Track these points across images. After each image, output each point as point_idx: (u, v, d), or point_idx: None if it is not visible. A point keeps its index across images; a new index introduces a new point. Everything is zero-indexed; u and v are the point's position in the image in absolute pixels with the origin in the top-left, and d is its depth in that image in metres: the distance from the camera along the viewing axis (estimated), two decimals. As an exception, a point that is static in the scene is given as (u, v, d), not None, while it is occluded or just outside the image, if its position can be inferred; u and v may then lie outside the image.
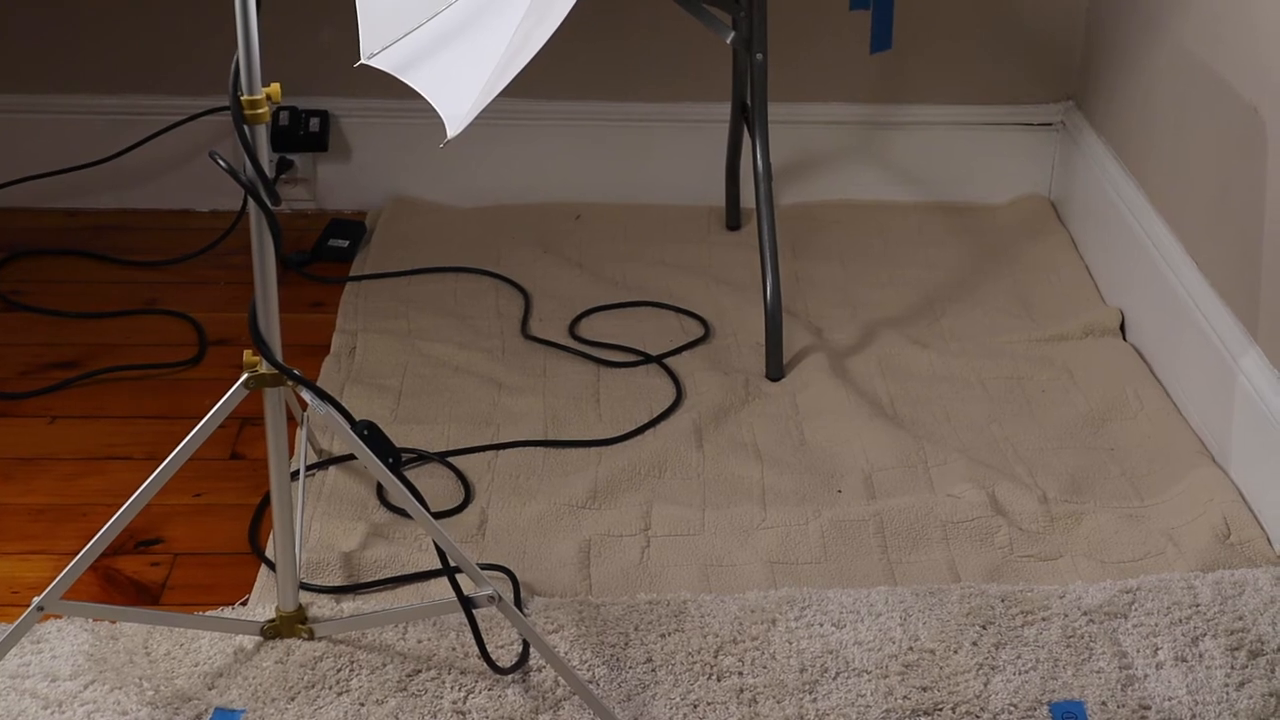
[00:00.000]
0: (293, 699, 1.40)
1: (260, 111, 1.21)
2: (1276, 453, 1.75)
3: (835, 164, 2.50)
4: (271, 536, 1.55)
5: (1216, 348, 1.89)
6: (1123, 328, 2.16)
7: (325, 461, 1.77)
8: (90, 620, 1.49)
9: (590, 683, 1.45)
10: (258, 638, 1.47)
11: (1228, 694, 1.48)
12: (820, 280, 2.26)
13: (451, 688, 1.43)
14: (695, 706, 1.43)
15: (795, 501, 1.76)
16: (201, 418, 1.31)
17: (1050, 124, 2.50)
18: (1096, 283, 2.29)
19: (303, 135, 2.34)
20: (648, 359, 2.03)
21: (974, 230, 2.44)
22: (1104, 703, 1.46)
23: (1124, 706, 1.46)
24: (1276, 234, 1.78)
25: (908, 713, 1.44)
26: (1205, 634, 1.55)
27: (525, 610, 1.55)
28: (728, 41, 2.12)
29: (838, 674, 1.48)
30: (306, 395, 1.34)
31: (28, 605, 1.30)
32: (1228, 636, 1.55)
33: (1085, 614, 1.58)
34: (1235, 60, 1.89)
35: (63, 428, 1.83)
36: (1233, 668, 1.51)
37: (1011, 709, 1.45)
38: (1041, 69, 2.48)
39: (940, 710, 1.45)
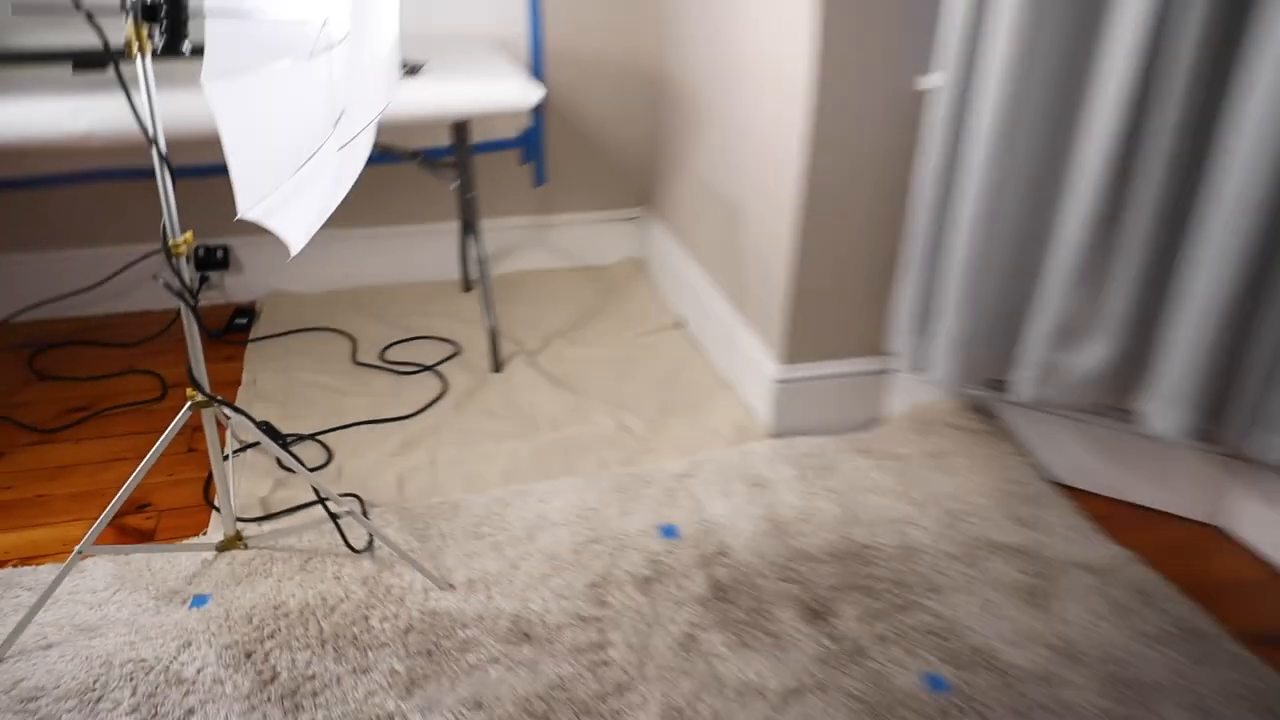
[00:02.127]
0: (239, 583, 1.45)
1: (182, 250, 1.22)
2: (758, 382, 1.88)
3: (520, 249, 2.52)
4: (217, 492, 1.55)
5: (727, 327, 1.99)
6: (682, 326, 2.26)
7: (244, 447, 1.77)
8: (113, 557, 1.51)
9: (410, 551, 1.51)
10: (214, 552, 1.51)
11: (748, 508, 1.63)
12: (519, 315, 2.30)
13: (331, 564, 1.48)
14: (469, 556, 1.50)
15: (515, 438, 1.82)
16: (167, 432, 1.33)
17: (635, 218, 2.55)
18: (666, 302, 2.36)
19: (214, 260, 2.31)
20: (426, 368, 2.07)
21: (598, 280, 2.50)
22: (685, 522, 1.59)
23: (697, 524, 1.59)
24: (748, 263, 1.89)
25: (586, 542, 1.53)
26: (735, 479, 1.70)
27: (369, 516, 1.59)
28: (452, 188, 2.25)
29: (546, 527, 1.58)
30: (228, 411, 1.37)
31: (73, 552, 1.32)
32: (746, 479, 1.70)
33: (674, 478, 1.70)
34: (725, 173, 1.98)
35: (84, 446, 1.84)
36: (750, 496, 1.66)
37: (641, 533, 1.57)
38: (624, 185, 2.50)
39: (603, 540, 1.54)
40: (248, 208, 1.10)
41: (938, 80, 1.63)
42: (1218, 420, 1.64)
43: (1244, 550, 1.74)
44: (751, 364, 1.89)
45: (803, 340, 1.82)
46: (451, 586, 1.46)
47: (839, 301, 1.81)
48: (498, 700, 1.27)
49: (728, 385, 2.01)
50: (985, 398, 1.87)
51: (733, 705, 1.28)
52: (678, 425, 1.87)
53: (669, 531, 1.57)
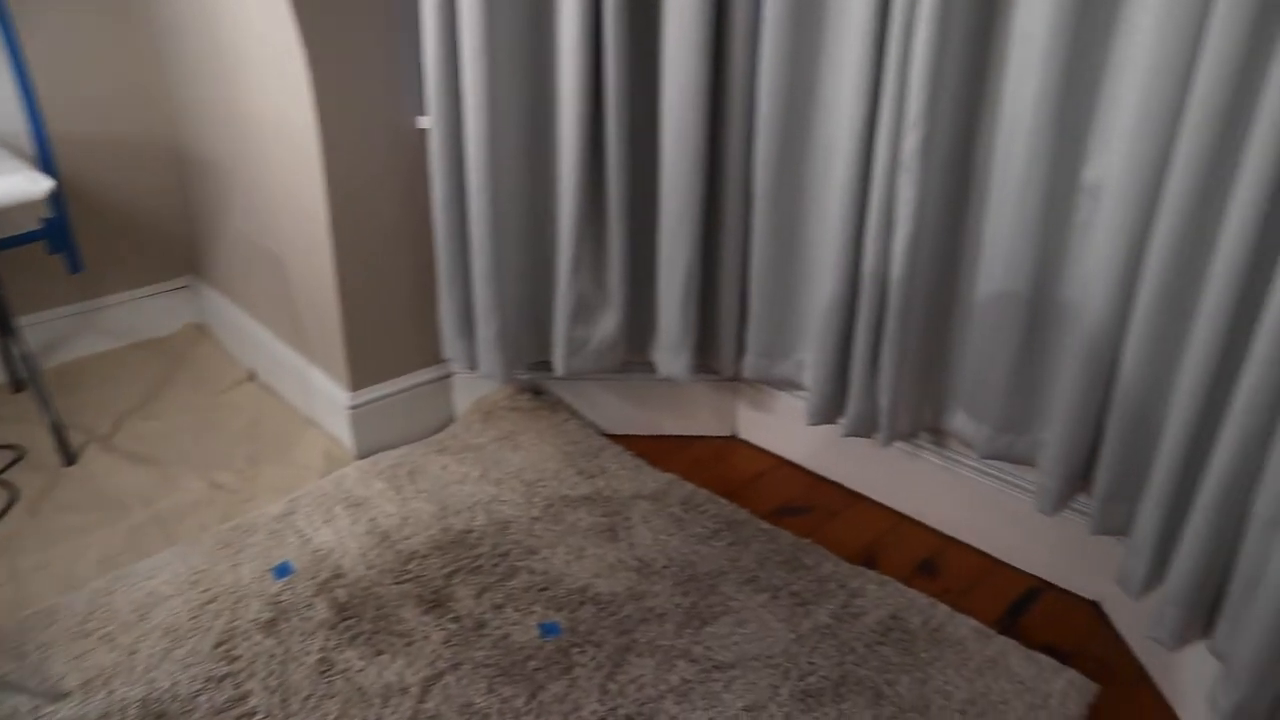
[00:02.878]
0: None
1: None
2: (336, 412, 1.81)
3: (71, 338, 2.23)
4: None
5: (297, 369, 1.93)
6: (255, 378, 2.14)
7: None
8: None
9: (6, 675, 1.30)
10: None
11: (352, 528, 1.58)
12: (84, 403, 2.05)
13: (-88, 721, 1.23)
14: (79, 657, 1.32)
15: (105, 525, 1.64)
16: None
17: (186, 285, 2.34)
18: (235, 359, 2.22)
19: None
20: (-15, 480, 1.76)
21: (161, 352, 2.28)
22: (296, 558, 1.52)
23: (308, 556, 1.53)
24: (301, 308, 1.82)
25: (202, 604, 1.42)
26: (334, 505, 1.65)
27: (-48, 651, 1.35)
28: (-38, 288, 1.92)
29: (158, 603, 1.43)
30: None
31: None
32: (344, 502, 1.65)
33: (276, 520, 1.61)
34: (263, 229, 1.90)
35: None
36: (352, 517, 1.60)
37: (255, 580, 1.47)
38: (169, 257, 2.29)
39: (219, 598, 1.42)
40: None
41: (429, 121, 1.63)
42: (714, 355, 1.79)
43: (755, 450, 1.93)
44: (326, 398, 1.84)
45: (366, 366, 1.78)
46: (65, 695, 1.28)
47: (390, 324, 1.79)
48: (141, 790, 1.13)
49: (310, 422, 1.94)
50: (534, 378, 1.92)
51: (380, 710, 1.24)
52: (270, 470, 1.79)
53: (283, 571, 1.49)
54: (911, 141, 1.34)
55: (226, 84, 1.90)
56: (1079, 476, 1.37)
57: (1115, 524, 1.34)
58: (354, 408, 1.80)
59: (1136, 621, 1.40)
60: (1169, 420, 1.19)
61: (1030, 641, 1.41)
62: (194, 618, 1.41)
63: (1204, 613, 1.20)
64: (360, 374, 1.82)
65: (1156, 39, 1.11)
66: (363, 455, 1.81)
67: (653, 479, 1.78)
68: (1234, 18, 1.02)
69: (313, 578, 1.48)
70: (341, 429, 1.82)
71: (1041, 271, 1.34)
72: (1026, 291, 1.34)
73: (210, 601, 1.43)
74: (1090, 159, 1.26)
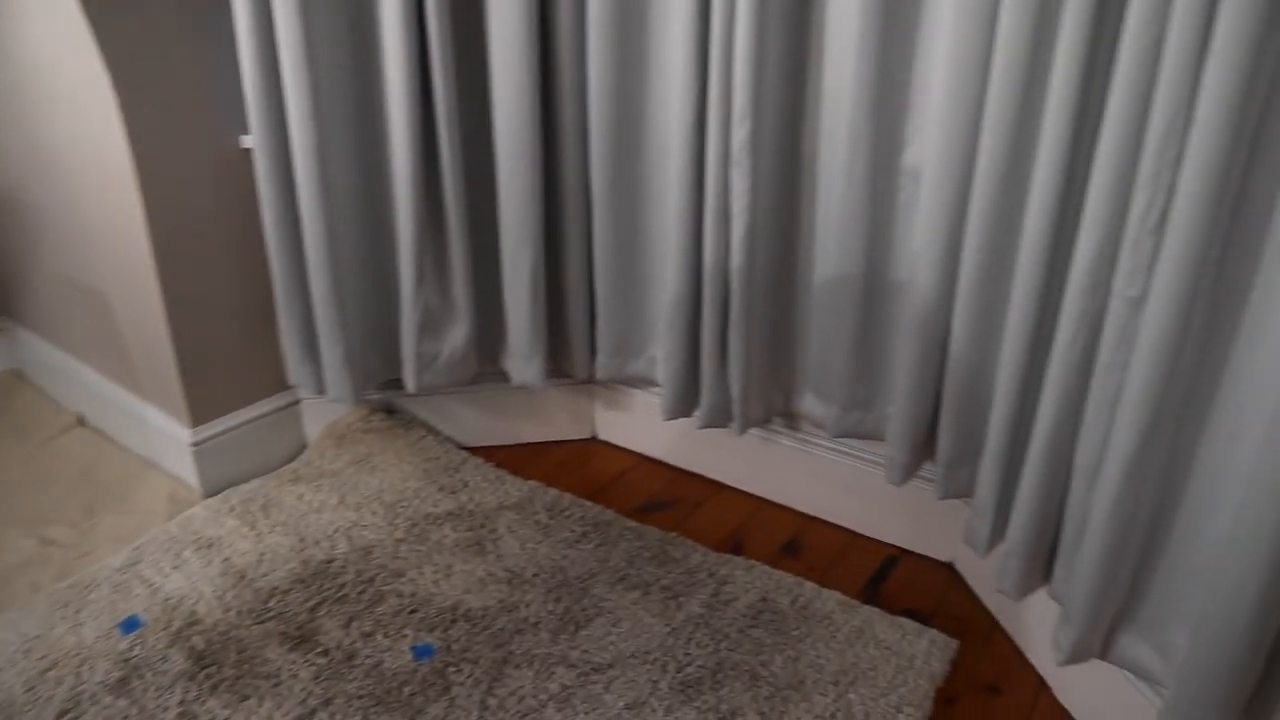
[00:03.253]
0: None
1: None
2: (177, 451, 1.74)
3: None
4: None
5: (130, 409, 1.83)
6: (85, 423, 2.00)
7: None
8: None
9: None
10: None
11: (205, 571, 1.52)
12: None
13: None
14: None
15: None
16: None
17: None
18: (59, 403, 2.09)
19: None
20: None
21: None
22: (145, 609, 1.44)
23: (158, 605, 1.45)
24: (130, 344, 1.75)
25: (39, 674, 1.31)
26: (183, 549, 1.58)
27: None
28: None
29: None
30: None
31: None
32: (194, 545, 1.58)
33: (119, 572, 1.51)
34: (81, 264, 1.81)
35: None
36: (204, 559, 1.54)
37: (100, 639, 1.38)
38: None
39: (60, 664, 1.33)
40: None
41: (253, 140, 1.57)
42: (566, 359, 1.79)
43: (615, 449, 1.94)
44: (165, 436, 1.77)
45: (206, 399, 1.72)
46: (-113, 789, 1.14)
47: (229, 353, 1.73)
48: None
49: (150, 464, 1.85)
50: (386, 398, 1.88)
51: (246, 759, 1.18)
52: (109, 519, 1.69)
53: (131, 625, 1.41)
54: (740, 135, 1.37)
55: (29, 114, 1.78)
56: (923, 446, 1.44)
57: (959, 488, 1.41)
58: (197, 444, 1.73)
59: (986, 577, 1.48)
60: (997, 386, 1.27)
61: (893, 608, 1.47)
62: (30, 689, 1.30)
63: (1042, 562, 1.28)
64: (200, 408, 1.74)
65: (955, 29, 1.17)
66: (211, 493, 1.74)
67: (516, 488, 1.77)
68: (1022, 7, 1.09)
69: (165, 628, 1.40)
70: (185, 468, 1.75)
71: (872, 253, 1.40)
72: (860, 273, 1.40)
73: (49, 669, 1.33)
74: (908, 144, 1.33)
